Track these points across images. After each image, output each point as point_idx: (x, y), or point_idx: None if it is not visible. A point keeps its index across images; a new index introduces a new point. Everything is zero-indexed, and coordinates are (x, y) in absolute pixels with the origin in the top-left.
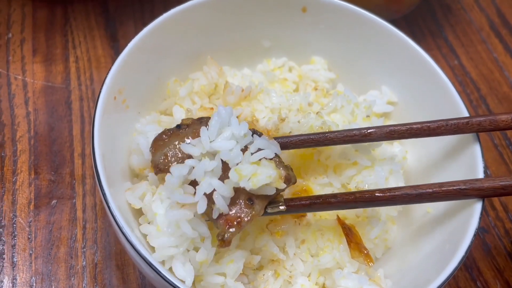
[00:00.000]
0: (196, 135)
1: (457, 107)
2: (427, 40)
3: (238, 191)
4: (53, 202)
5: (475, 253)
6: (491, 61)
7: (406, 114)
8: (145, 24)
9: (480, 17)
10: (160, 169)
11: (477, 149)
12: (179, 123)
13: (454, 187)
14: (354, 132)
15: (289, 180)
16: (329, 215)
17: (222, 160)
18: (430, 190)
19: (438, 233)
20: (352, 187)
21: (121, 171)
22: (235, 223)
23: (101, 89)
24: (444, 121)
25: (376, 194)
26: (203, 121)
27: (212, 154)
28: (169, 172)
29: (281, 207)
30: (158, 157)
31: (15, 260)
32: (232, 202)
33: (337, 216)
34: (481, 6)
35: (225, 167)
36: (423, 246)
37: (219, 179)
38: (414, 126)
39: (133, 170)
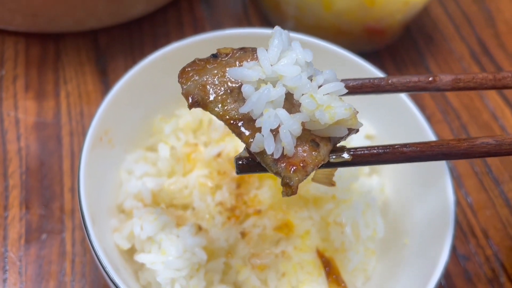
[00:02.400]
0: (241, 64)
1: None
2: (409, 69)
3: (302, 131)
4: (43, 236)
5: (456, 281)
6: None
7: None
8: (134, 58)
9: (461, 46)
10: (197, 101)
11: (447, 179)
12: (214, 53)
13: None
14: (418, 78)
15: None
16: (309, 248)
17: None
18: (510, 140)
19: (415, 262)
20: (330, 221)
21: (107, 208)
22: (301, 165)
23: (87, 131)
24: (510, 71)
25: (453, 143)
26: (247, 50)
27: (271, 82)
28: (208, 107)
29: (346, 156)
30: (192, 88)
31: None
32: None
33: (317, 249)
34: (462, 35)
35: (286, 101)
36: (401, 275)
37: None
38: (480, 75)
39: (119, 207)
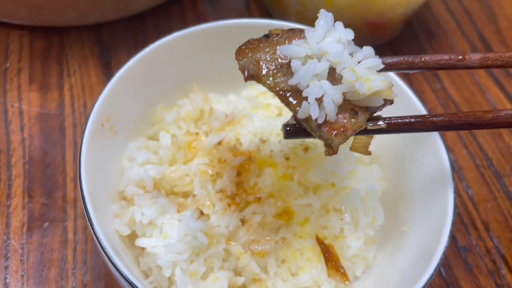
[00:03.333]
0: (290, 42)
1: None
2: None
3: (343, 101)
4: (45, 224)
5: (457, 273)
6: (473, 84)
7: (388, 137)
8: (138, 52)
9: (463, 42)
10: (251, 74)
11: (447, 168)
12: (265, 33)
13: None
14: (449, 56)
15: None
16: (308, 235)
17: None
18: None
19: (414, 249)
20: (330, 208)
21: (109, 195)
22: (341, 130)
23: (88, 117)
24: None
25: (479, 114)
26: (296, 30)
27: (317, 58)
28: (261, 80)
29: (382, 124)
30: (248, 63)
31: (8, 281)
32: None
33: (316, 236)
34: (463, 31)
35: (329, 74)
36: (401, 263)
37: None
38: (507, 54)
39: (121, 193)
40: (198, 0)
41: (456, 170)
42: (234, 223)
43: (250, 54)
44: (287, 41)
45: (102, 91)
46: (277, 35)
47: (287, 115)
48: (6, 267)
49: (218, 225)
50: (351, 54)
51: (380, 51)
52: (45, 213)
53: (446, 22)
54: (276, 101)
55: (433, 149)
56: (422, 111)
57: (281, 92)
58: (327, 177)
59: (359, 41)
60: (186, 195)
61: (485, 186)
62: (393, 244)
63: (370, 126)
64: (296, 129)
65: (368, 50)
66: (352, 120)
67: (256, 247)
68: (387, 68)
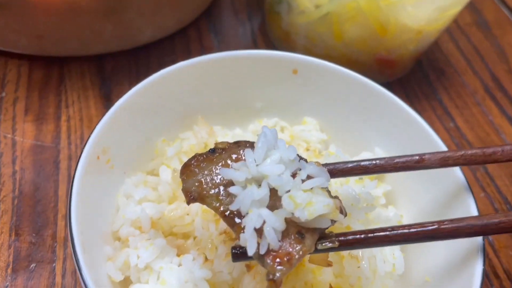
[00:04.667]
0: (235, 159)
1: None
2: (422, 102)
3: (287, 224)
4: (32, 265)
5: None
6: (486, 124)
7: (400, 175)
8: None
9: (474, 81)
10: (194, 197)
11: (471, 203)
12: (212, 147)
13: None
14: (406, 158)
15: (342, 211)
16: (321, 284)
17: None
18: (496, 220)
19: None
20: (345, 254)
21: (101, 235)
22: (285, 259)
23: (83, 148)
24: (500, 146)
25: (439, 226)
26: (241, 144)
27: (257, 181)
28: (205, 201)
29: (332, 244)
30: (190, 185)
31: None
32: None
33: (330, 285)
34: (474, 69)
35: (271, 196)
36: None
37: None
38: (469, 152)
39: (115, 233)
40: (204, 33)
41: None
42: (239, 269)
43: (196, 170)
44: (230, 159)
45: None
46: (223, 149)
47: None
48: None
49: (221, 271)
50: (295, 173)
51: (390, 88)
52: (32, 252)
53: (456, 60)
54: (285, 136)
55: (457, 193)
56: (442, 146)
57: (226, 213)
58: (341, 220)
59: (368, 77)
60: (186, 236)
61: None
62: None
63: (320, 246)
64: (244, 252)
65: (313, 166)
66: (298, 246)
67: None
68: (340, 175)
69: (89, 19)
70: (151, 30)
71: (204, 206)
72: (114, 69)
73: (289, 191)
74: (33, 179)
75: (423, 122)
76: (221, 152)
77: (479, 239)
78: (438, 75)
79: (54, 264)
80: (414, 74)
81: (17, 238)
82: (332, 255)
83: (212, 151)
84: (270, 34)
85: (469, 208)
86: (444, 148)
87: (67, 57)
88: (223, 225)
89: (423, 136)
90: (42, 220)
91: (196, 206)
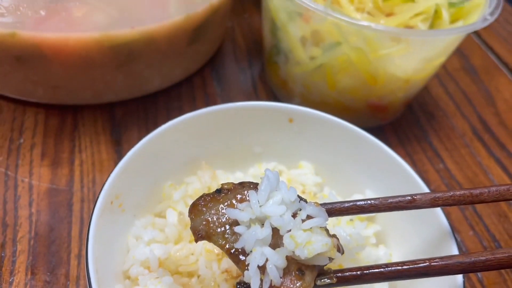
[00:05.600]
0: (240, 200)
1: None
2: (413, 144)
3: (288, 261)
4: None
5: None
6: (475, 165)
7: (390, 216)
8: (148, 129)
9: (463, 123)
10: (202, 236)
11: (452, 244)
12: (219, 187)
13: (506, 254)
14: (398, 199)
15: (339, 249)
16: None
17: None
18: (483, 258)
19: None
20: None
21: (113, 273)
22: None
23: (99, 195)
24: (486, 187)
25: (430, 263)
26: (245, 185)
27: (260, 220)
28: (212, 239)
29: (331, 280)
30: (198, 223)
31: None
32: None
33: None
34: (463, 113)
35: (273, 235)
36: None
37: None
38: (457, 192)
39: (125, 272)
40: (208, 82)
41: (464, 251)
42: None
43: (203, 210)
44: (238, 196)
45: (111, 167)
46: (229, 190)
47: None
48: None
49: None
50: (295, 213)
51: (382, 132)
52: None
53: (445, 104)
54: (283, 179)
55: (439, 230)
56: (425, 189)
57: (231, 251)
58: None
59: (362, 122)
60: (190, 275)
61: None
62: None
63: (319, 282)
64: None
65: (312, 207)
66: (298, 283)
67: None
68: (338, 214)
69: (101, 72)
70: (158, 80)
71: (208, 246)
72: (124, 116)
73: (290, 230)
74: (48, 220)
75: (407, 166)
76: (226, 193)
77: (459, 277)
78: (428, 118)
79: None
80: (405, 118)
81: (33, 276)
82: None
83: (219, 191)
84: (269, 82)
85: (451, 250)
86: (426, 189)
87: (81, 105)
88: (225, 264)
89: (408, 179)
90: (56, 259)
91: (200, 246)
